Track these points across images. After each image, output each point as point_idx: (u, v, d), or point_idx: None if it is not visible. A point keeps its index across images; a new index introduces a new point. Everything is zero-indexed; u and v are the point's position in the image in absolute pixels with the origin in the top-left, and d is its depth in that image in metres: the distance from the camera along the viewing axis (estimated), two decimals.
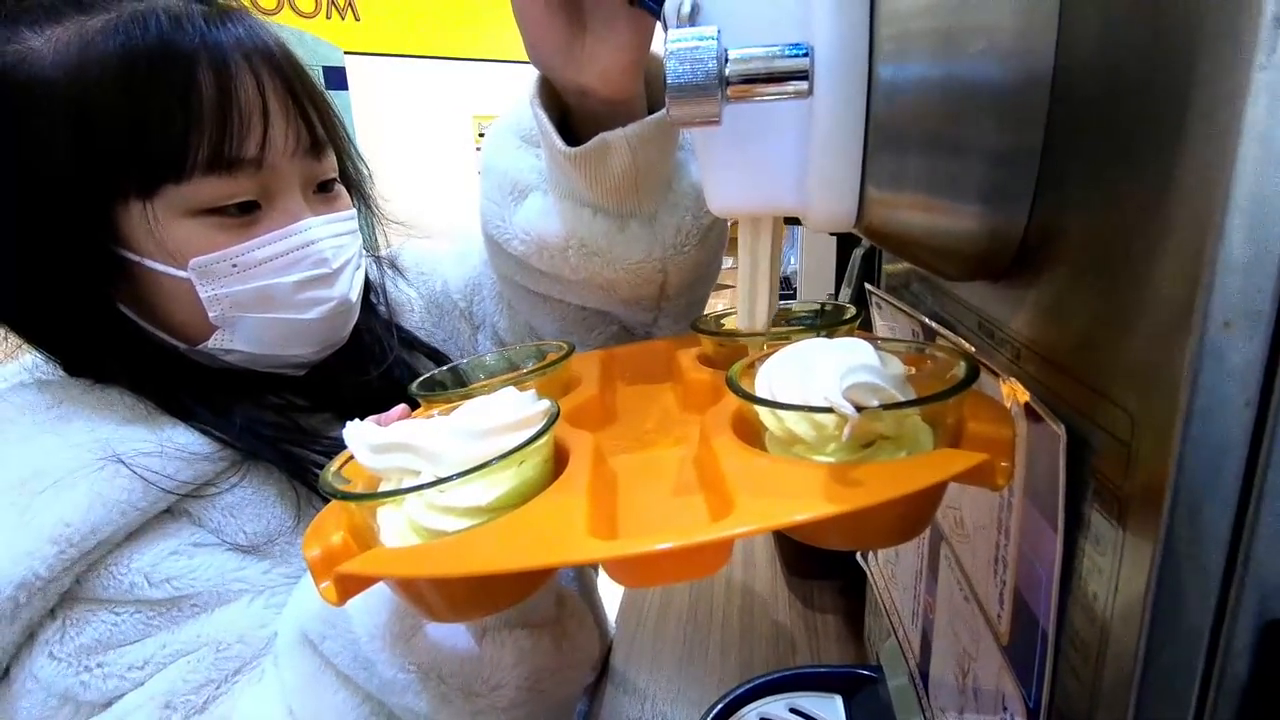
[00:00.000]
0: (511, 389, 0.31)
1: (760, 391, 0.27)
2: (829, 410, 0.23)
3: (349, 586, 0.25)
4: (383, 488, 0.28)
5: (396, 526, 0.26)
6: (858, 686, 0.53)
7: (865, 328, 0.48)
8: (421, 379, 0.39)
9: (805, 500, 0.21)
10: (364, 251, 0.54)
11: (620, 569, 0.23)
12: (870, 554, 0.54)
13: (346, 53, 4.15)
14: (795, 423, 0.25)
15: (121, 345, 0.46)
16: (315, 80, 0.48)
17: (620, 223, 0.48)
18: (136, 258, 0.43)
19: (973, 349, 0.29)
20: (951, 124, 0.25)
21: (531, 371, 0.40)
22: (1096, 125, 0.21)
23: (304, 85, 0.46)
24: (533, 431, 0.27)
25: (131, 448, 0.42)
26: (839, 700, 0.52)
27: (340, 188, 0.52)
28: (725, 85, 0.26)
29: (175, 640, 0.43)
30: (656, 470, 0.31)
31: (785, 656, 0.65)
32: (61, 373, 0.47)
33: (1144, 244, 0.18)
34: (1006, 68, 0.24)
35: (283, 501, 0.48)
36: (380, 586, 0.39)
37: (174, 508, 0.44)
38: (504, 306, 0.64)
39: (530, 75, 0.46)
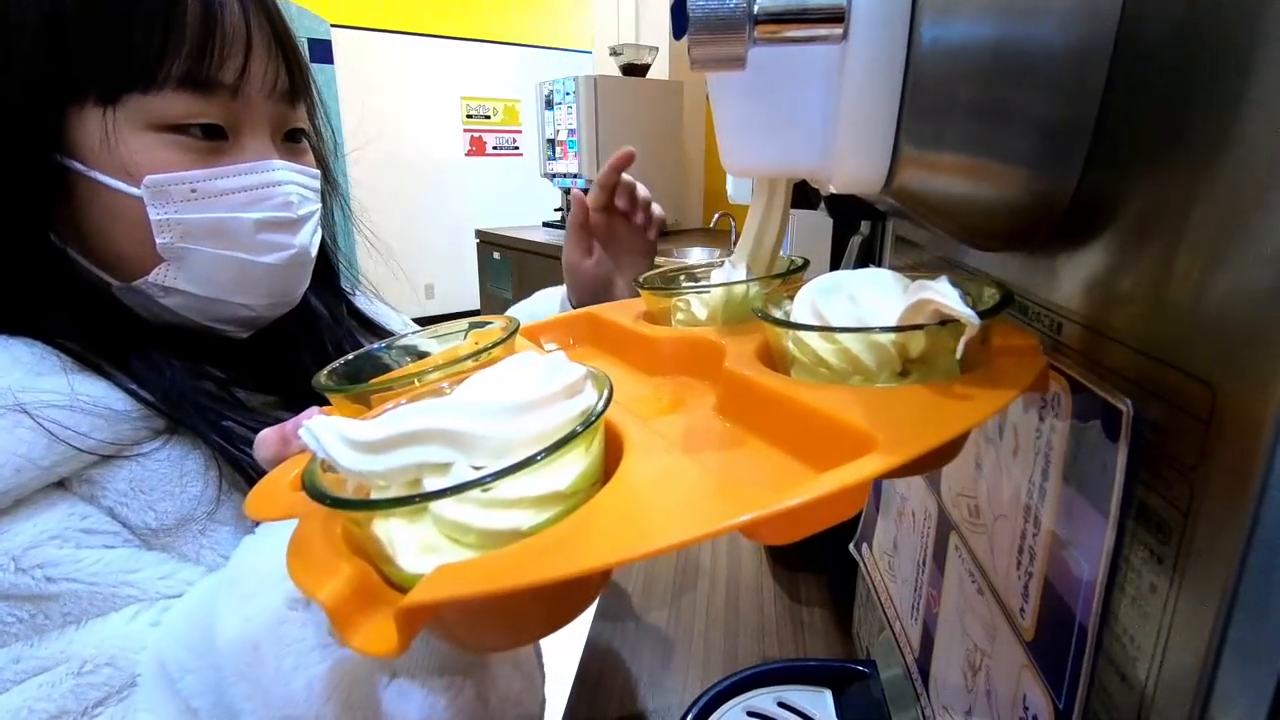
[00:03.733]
0: (532, 352, 0.26)
1: (807, 322, 0.26)
2: (921, 327, 0.23)
3: (417, 621, 0.19)
4: (381, 494, 0.21)
5: (419, 540, 0.20)
6: (848, 681, 0.51)
7: None
8: (329, 369, 0.31)
9: (943, 419, 0.20)
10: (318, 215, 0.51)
11: (771, 525, 0.19)
12: (865, 545, 0.53)
13: (333, 25, 4.06)
14: (862, 349, 0.24)
15: (46, 277, 0.41)
16: (295, 35, 0.46)
17: None
18: (83, 168, 0.39)
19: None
20: (1002, 88, 0.23)
21: (481, 350, 0.33)
22: (1163, 92, 0.19)
23: (286, 33, 0.44)
24: (592, 398, 0.23)
25: (39, 398, 0.36)
26: (828, 694, 0.51)
27: (307, 144, 0.49)
28: (753, 23, 0.24)
29: (33, 655, 0.35)
30: (686, 433, 0.28)
31: (770, 650, 0.63)
32: None
33: (1231, 211, 0.16)
34: (1066, 33, 0.22)
35: (203, 480, 0.41)
36: (269, 609, 0.32)
37: (68, 481, 0.38)
38: None
39: None
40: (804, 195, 0.74)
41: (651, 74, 3.22)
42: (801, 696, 0.51)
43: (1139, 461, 0.19)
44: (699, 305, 0.36)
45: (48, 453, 0.36)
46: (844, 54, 0.25)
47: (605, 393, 0.23)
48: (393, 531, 0.20)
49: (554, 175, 3.19)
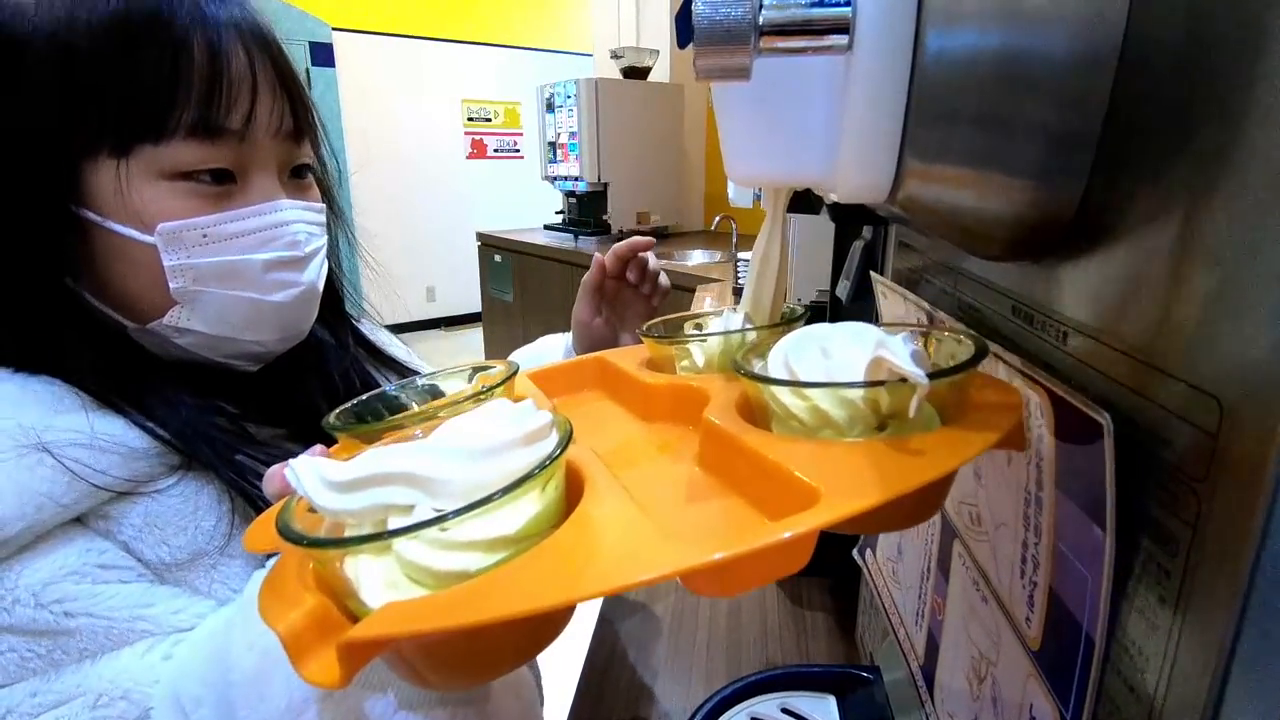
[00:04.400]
0: (504, 400, 0.27)
1: (778, 377, 0.26)
2: (882, 383, 0.23)
3: (359, 656, 0.20)
4: (354, 532, 0.22)
5: (383, 577, 0.21)
6: (851, 686, 0.51)
7: (866, 318, 0.46)
8: (340, 409, 0.32)
9: (890, 476, 0.20)
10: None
11: (708, 576, 0.19)
12: (869, 552, 0.53)
13: (335, 29, 4.06)
14: (831, 404, 0.24)
15: (63, 320, 0.42)
16: (298, 73, 0.48)
17: None
18: (98, 218, 0.41)
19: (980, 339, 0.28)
20: (1007, 98, 0.23)
21: (480, 394, 0.33)
22: (1169, 102, 0.19)
23: (290, 72, 0.46)
24: (552, 445, 0.23)
25: (59, 437, 0.37)
26: (832, 700, 0.51)
27: (313, 179, 0.51)
28: (758, 34, 0.24)
29: (50, 689, 0.35)
30: (663, 481, 0.28)
31: (773, 654, 0.63)
32: None
33: (1239, 222, 0.16)
34: (1072, 42, 0.22)
35: (215, 515, 0.42)
36: (276, 645, 0.34)
37: (85, 516, 0.39)
38: None
39: None
40: (806, 200, 0.74)
41: (652, 77, 3.22)
42: (805, 702, 0.51)
43: (1142, 474, 0.19)
44: (699, 353, 0.37)
45: (68, 490, 0.37)
46: (849, 64, 0.25)
47: (563, 439, 0.23)
48: (360, 568, 0.21)
49: (555, 178, 3.19)
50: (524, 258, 3.15)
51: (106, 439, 0.39)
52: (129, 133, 0.40)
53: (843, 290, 0.86)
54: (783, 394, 0.25)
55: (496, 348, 3.62)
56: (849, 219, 0.62)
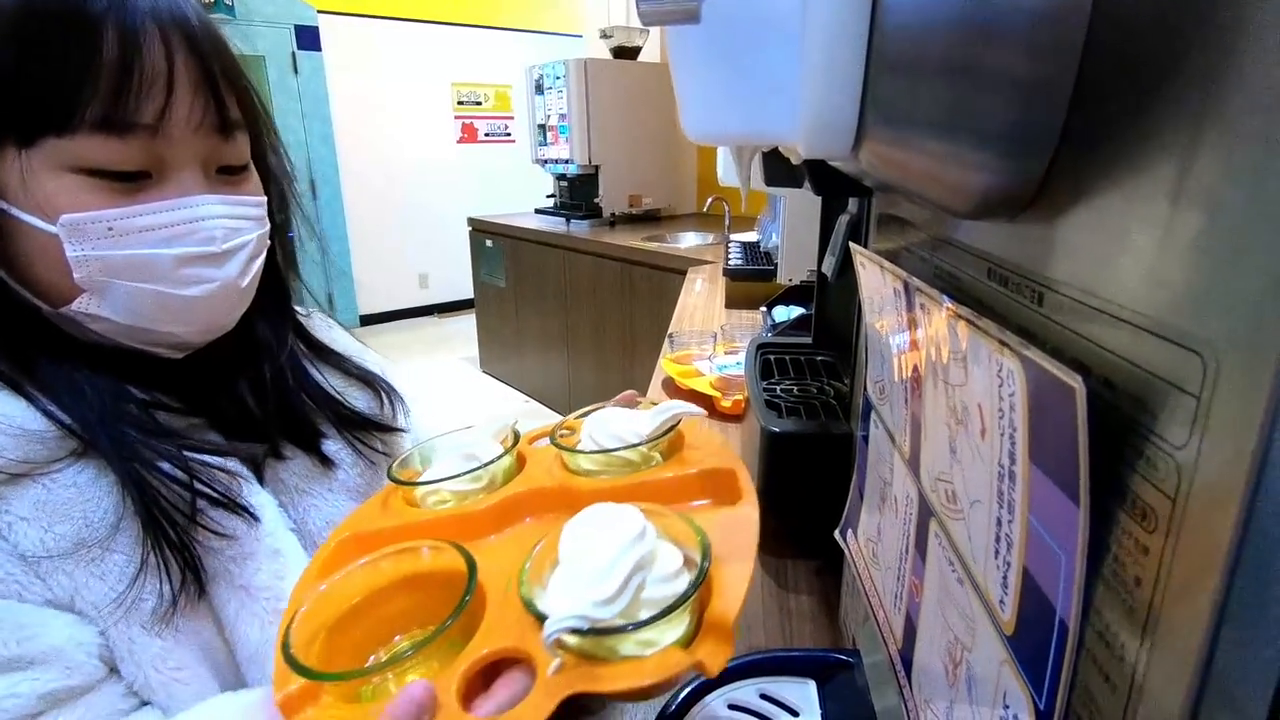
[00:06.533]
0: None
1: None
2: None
3: None
4: None
5: None
6: (832, 671, 0.50)
7: (851, 294, 0.44)
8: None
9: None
10: (270, 241, 0.50)
11: None
12: (850, 532, 0.51)
13: (320, 11, 4.00)
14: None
15: None
16: (241, 64, 0.46)
17: None
18: (5, 205, 0.40)
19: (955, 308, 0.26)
20: (973, 43, 0.21)
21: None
22: (1150, 40, 0.17)
23: (223, 64, 0.44)
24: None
25: None
26: (812, 685, 0.50)
27: (251, 174, 0.49)
28: None
29: None
30: None
31: (756, 639, 0.62)
32: None
33: (1225, 172, 0.14)
34: None
35: (106, 504, 0.41)
36: None
37: None
38: None
39: None
40: (789, 172, 0.72)
41: (643, 57, 3.18)
42: (784, 688, 0.49)
43: (1118, 443, 0.17)
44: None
45: None
46: (805, 7, 0.23)
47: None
48: None
49: (545, 161, 3.15)
50: (516, 242, 3.12)
51: (2, 420, 0.38)
52: (34, 125, 0.38)
53: (829, 267, 0.84)
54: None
55: (490, 335, 3.60)
56: (831, 190, 0.60)
